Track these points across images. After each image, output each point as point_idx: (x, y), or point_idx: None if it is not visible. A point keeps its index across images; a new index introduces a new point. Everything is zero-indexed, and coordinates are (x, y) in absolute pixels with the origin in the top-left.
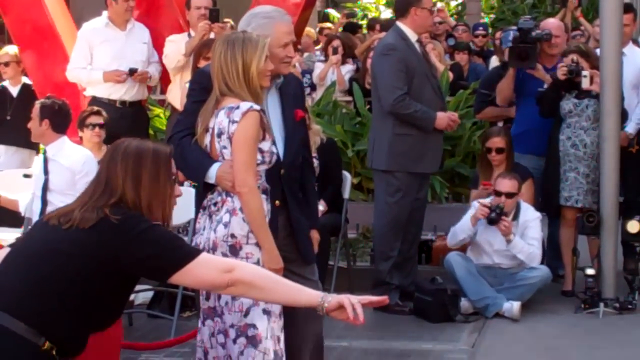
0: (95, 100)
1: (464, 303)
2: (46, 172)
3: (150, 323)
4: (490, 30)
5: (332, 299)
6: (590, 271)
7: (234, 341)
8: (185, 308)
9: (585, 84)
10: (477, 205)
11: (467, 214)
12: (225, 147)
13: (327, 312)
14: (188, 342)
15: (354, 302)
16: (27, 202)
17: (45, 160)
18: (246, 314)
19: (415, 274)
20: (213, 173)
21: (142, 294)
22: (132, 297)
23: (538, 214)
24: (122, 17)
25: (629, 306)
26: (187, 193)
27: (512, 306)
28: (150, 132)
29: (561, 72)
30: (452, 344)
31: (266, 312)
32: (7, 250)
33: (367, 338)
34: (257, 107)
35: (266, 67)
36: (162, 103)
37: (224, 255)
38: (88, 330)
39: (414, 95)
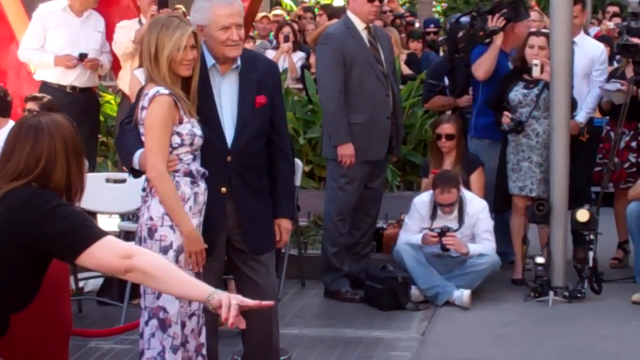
0: (45, 85)
1: (414, 291)
2: None
3: (100, 310)
4: (442, 19)
5: (217, 297)
6: (540, 260)
7: (147, 323)
8: (135, 295)
9: (535, 72)
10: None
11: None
12: (143, 134)
13: (213, 309)
14: (137, 329)
15: (231, 304)
16: None
17: None
18: (158, 296)
19: (367, 263)
20: (136, 159)
21: (92, 281)
22: (81, 284)
23: (484, 203)
24: (79, 4)
25: (578, 295)
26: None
27: (462, 294)
28: (101, 118)
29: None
30: (402, 332)
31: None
32: None
33: (318, 326)
34: (165, 91)
35: (184, 56)
36: (113, 89)
37: (143, 239)
38: (6, 310)
39: (354, 83)
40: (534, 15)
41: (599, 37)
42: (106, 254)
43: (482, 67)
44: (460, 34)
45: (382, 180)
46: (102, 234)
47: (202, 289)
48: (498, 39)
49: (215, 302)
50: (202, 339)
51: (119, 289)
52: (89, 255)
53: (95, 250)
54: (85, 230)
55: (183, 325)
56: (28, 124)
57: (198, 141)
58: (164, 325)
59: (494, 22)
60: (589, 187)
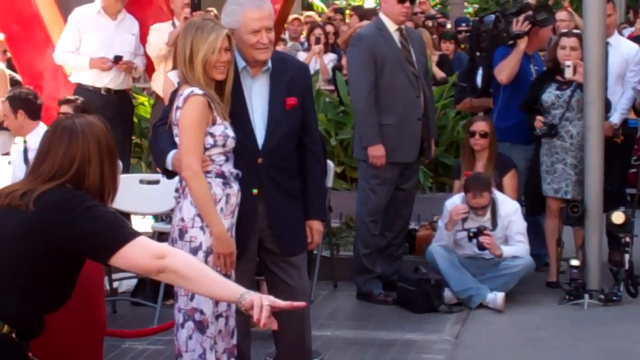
0: (80, 87)
1: (447, 293)
2: (26, 161)
3: (134, 310)
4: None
5: (249, 297)
6: (574, 262)
7: (182, 325)
8: (169, 296)
9: (568, 73)
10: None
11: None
12: (177, 135)
13: (245, 310)
14: (171, 329)
15: (263, 304)
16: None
17: (25, 150)
18: (192, 297)
19: (399, 265)
20: (169, 159)
21: (125, 282)
22: (115, 284)
23: (517, 205)
24: (114, 7)
25: (614, 298)
26: (172, 182)
27: (496, 297)
28: (135, 120)
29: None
30: (435, 335)
31: None
32: None
33: (350, 328)
34: (199, 91)
35: (219, 58)
36: (147, 92)
37: (174, 240)
38: (42, 310)
39: (385, 84)
40: (562, 15)
41: (633, 38)
42: (139, 254)
43: (505, 70)
44: (484, 33)
45: (414, 182)
46: (135, 234)
47: (234, 289)
48: (522, 43)
49: (247, 302)
50: (235, 340)
51: (153, 289)
52: (122, 255)
53: (128, 251)
54: (119, 231)
55: (226, 320)
56: (62, 125)
57: (231, 142)
58: (201, 327)
59: (519, 25)
60: (623, 189)
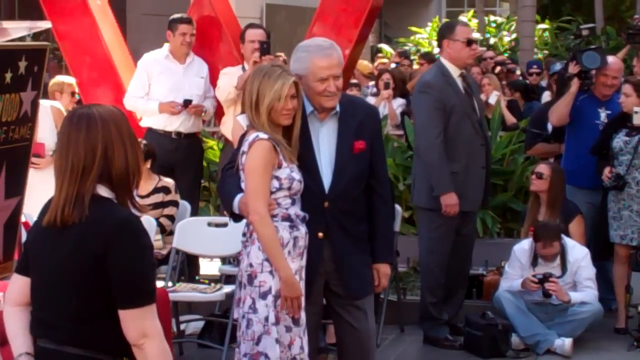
0: (151, 131)
1: (514, 339)
2: None
3: (201, 353)
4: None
5: None
6: None
7: None
8: (236, 338)
9: (636, 120)
10: (527, 281)
11: (516, 282)
12: (243, 179)
13: None
14: None
15: None
16: None
17: None
18: (257, 342)
19: (460, 309)
20: (236, 203)
21: (192, 324)
22: (182, 326)
23: (586, 251)
24: (179, 51)
25: None
26: (240, 225)
27: (564, 342)
28: (204, 163)
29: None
30: None
31: (278, 341)
32: (19, 278)
33: None
34: (264, 135)
35: (284, 106)
36: (216, 135)
37: (243, 285)
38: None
39: (452, 132)
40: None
41: None
42: (136, 322)
43: (555, 112)
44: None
45: (474, 227)
46: (153, 299)
47: None
48: (574, 85)
49: None
50: None
51: (220, 331)
52: (129, 313)
53: (136, 312)
54: (149, 288)
55: None
56: (79, 113)
57: (297, 185)
58: None
59: (572, 68)
60: None
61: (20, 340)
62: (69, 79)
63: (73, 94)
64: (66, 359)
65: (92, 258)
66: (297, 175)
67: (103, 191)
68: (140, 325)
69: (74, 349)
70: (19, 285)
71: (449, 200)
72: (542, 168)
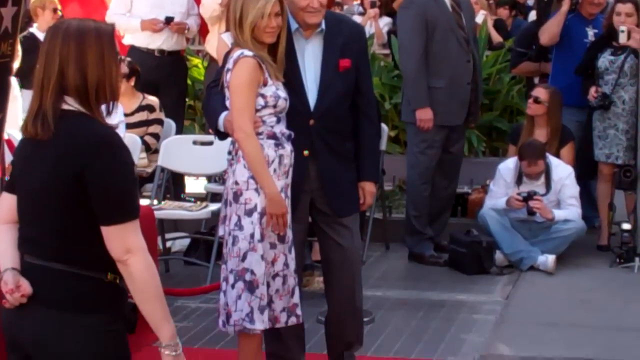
0: (133, 49)
1: (498, 256)
2: None
3: (187, 270)
4: None
5: (179, 352)
6: (626, 226)
7: (233, 286)
8: (221, 255)
9: (622, 39)
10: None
11: (501, 200)
12: (228, 97)
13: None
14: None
15: None
16: None
17: None
18: (243, 258)
19: (445, 227)
20: (221, 121)
21: (178, 242)
22: (169, 244)
23: (570, 169)
24: None
25: None
26: (225, 144)
27: (547, 259)
28: (188, 82)
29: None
30: (486, 296)
31: (263, 258)
32: (7, 196)
33: (402, 288)
34: (249, 53)
35: (268, 24)
36: (201, 53)
37: (229, 202)
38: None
39: (436, 48)
40: None
41: None
42: (122, 237)
43: (546, 32)
44: None
45: (461, 145)
46: (136, 215)
47: (167, 334)
48: (564, 5)
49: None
50: (296, 299)
51: (206, 249)
52: (112, 229)
53: (120, 228)
54: (131, 203)
55: (268, 285)
56: (50, 27)
57: (282, 103)
58: (251, 287)
59: None
60: None
61: (7, 256)
62: None
63: (55, 10)
64: (51, 275)
65: (71, 176)
66: (282, 93)
67: (73, 105)
68: (123, 242)
69: (59, 264)
70: (7, 203)
71: (423, 115)
72: (540, 92)
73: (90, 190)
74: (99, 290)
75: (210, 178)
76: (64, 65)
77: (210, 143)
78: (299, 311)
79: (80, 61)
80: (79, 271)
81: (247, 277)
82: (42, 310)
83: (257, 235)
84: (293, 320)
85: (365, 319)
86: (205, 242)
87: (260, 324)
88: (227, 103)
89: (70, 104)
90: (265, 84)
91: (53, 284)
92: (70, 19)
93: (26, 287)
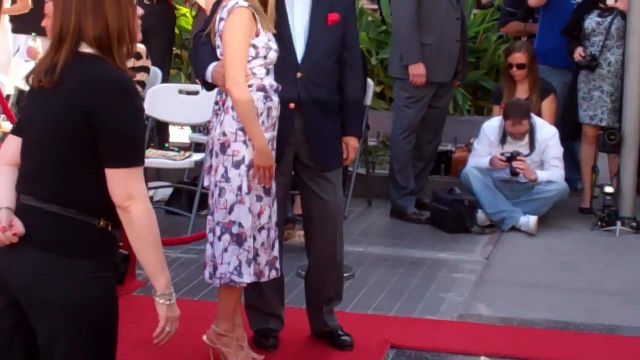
0: None
1: (480, 215)
2: None
3: (169, 220)
4: None
5: (173, 301)
6: (609, 189)
7: (219, 238)
8: (204, 206)
9: (610, 1)
10: (495, 159)
11: (484, 159)
12: (219, 47)
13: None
14: (204, 239)
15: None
16: None
17: None
18: (230, 211)
19: (425, 183)
20: (209, 72)
21: (161, 191)
22: (151, 192)
23: (555, 130)
24: None
25: None
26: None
27: (529, 220)
28: (176, 31)
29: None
30: (467, 255)
31: (250, 211)
32: (13, 138)
33: (383, 245)
34: (244, 3)
35: None
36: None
37: (215, 154)
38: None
39: (427, 4)
40: None
41: None
42: (123, 182)
43: None
44: None
45: (448, 101)
46: (142, 162)
47: (162, 283)
48: None
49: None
50: (276, 252)
51: (188, 199)
52: (118, 173)
53: (123, 173)
54: (138, 152)
55: (254, 239)
56: None
57: (273, 55)
58: (239, 240)
59: None
60: None
61: (3, 195)
62: None
63: None
64: (45, 218)
65: (82, 114)
66: (274, 44)
67: (89, 51)
68: (127, 187)
69: (55, 206)
70: (12, 145)
71: (416, 71)
72: (521, 58)
73: (99, 131)
74: (91, 236)
75: (195, 128)
76: (81, 17)
77: (196, 93)
78: (278, 265)
79: (98, 10)
80: (73, 215)
81: (235, 229)
82: (32, 252)
83: (245, 188)
84: (273, 274)
85: (345, 275)
86: (188, 192)
87: (248, 277)
88: (218, 52)
89: (86, 50)
90: (257, 35)
91: (45, 226)
92: None
93: (19, 226)
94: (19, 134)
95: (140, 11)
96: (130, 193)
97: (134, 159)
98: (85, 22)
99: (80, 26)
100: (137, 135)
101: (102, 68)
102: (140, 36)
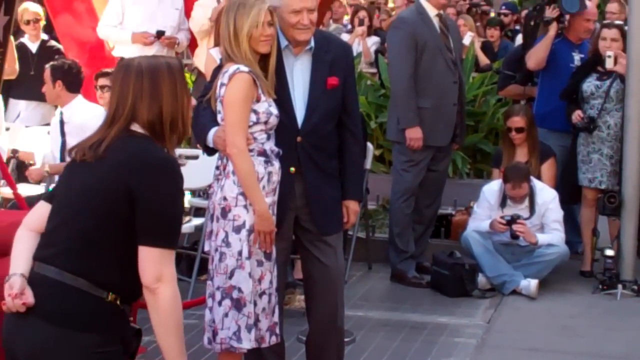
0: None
1: (481, 279)
2: (63, 134)
3: None
4: (518, 8)
5: None
6: (609, 252)
7: (219, 303)
8: (204, 271)
9: (609, 64)
10: (495, 222)
11: (484, 222)
12: (219, 112)
13: None
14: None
15: None
16: (45, 153)
17: (62, 123)
18: (231, 275)
19: (427, 245)
20: (210, 136)
21: None
22: None
23: (554, 193)
24: None
25: None
26: (211, 158)
27: (530, 284)
28: None
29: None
30: (468, 319)
31: (251, 276)
32: (43, 205)
33: (384, 309)
34: (245, 68)
35: (262, 32)
36: (189, 67)
37: (216, 218)
38: (135, 273)
39: (424, 68)
40: (613, 7)
41: None
42: (155, 265)
43: (533, 56)
44: (532, 23)
45: (446, 165)
46: (174, 245)
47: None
48: (552, 29)
49: None
50: (276, 317)
51: (188, 263)
52: (148, 253)
53: (155, 254)
54: (176, 232)
55: (254, 304)
56: (121, 64)
57: (273, 120)
58: (238, 305)
59: (549, 12)
60: None
61: (22, 261)
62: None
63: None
64: (55, 289)
65: (125, 189)
66: (274, 109)
67: (139, 131)
68: (158, 267)
69: (65, 274)
70: (41, 212)
71: (413, 134)
72: (519, 122)
73: (140, 207)
74: (99, 310)
75: (195, 192)
76: (137, 101)
77: (196, 157)
78: (278, 330)
79: (155, 95)
80: (81, 286)
81: (235, 294)
82: (39, 323)
83: (245, 253)
84: (273, 340)
85: (346, 339)
86: (188, 257)
87: (247, 342)
88: (219, 117)
89: (137, 129)
90: (258, 100)
91: (55, 298)
92: (139, 57)
93: (29, 296)
94: (50, 201)
95: (192, 101)
96: (160, 274)
97: (169, 240)
98: (141, 105)
99: (135, 109)
100: (176, 218)
101: (151, 147)
102: None
